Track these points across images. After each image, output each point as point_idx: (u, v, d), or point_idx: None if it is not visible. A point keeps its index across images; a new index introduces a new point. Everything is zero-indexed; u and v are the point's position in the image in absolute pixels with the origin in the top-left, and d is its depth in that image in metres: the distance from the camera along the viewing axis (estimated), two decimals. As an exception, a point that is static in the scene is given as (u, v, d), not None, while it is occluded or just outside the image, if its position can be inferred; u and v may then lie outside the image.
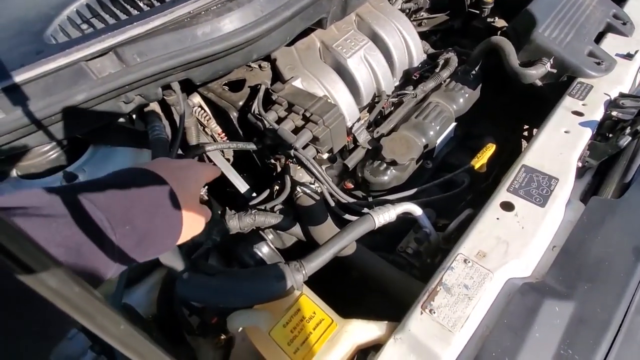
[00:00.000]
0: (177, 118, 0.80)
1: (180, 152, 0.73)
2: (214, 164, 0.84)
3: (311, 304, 0.53)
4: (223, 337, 0.65)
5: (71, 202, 0.29)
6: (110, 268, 0.31)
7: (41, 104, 0.54)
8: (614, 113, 0.70)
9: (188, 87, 0.78)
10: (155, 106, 0.76)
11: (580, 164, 0.67)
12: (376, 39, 0.94)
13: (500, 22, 1.11)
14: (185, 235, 0.40)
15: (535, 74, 0.80)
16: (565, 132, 0.68)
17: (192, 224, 0.40)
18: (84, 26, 0.62)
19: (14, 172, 0.70)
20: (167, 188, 0.37)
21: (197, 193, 0.43)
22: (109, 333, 0.13)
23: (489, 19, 1.11)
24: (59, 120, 0.57)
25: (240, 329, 0.55)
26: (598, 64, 0.79)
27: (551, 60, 0.81)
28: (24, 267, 0.11)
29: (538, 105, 0.87)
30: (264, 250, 0.73)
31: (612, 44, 0.86)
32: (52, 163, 0.69)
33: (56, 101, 0.54)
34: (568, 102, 0.74)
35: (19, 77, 0.52)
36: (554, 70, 0.81)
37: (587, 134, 0.68)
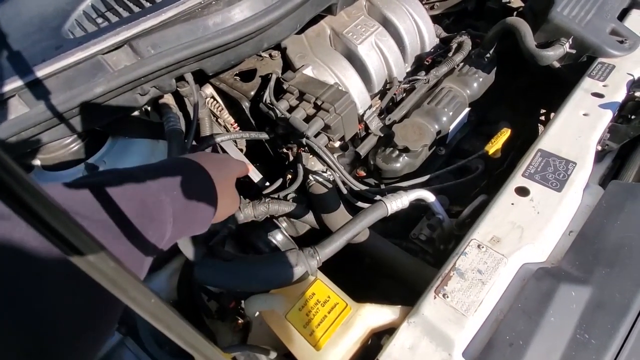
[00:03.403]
0: (190, 109, 0.81)
1: (194, 143, 0.74)
2: (224, 152, 0.85)
3: (325, 288, 0.54)
4: (241, 321, 0.67)
5: (130, 175, 0.34)
6: (169, 221, 0.35)
7: (62, 97, 0.56)
8: (637, 94, 0.68)
9: (200, 79, 0.79)
10: (169, 98, 0.77)
11: (599, 148, 0.65)
12: (387, 24, 0.92)
13: (516, 2, 1.07)
14: (221, 213, 0.45)
15: (553, 55, 0.77)
16: (584, 114, 0.66)
17: (227, 203, 0.47)
18: (99, 20, 0.63)
19: (39, 165, 0.73)
20: (205, 171, 0.43)
21: (232, 180, 0.49)
22: (140, 306, 0.15)
23: (504, 0, 1.07)
24: (80, 113, 0.59)
25: (257, 313, 0.57)
26: (621, 42, 0.76)
27: (570, 40, 0.78)
28: (70, 245, 0.13)
29: (556, 88, 0.85)
30: (278, 238, 0.75)
31: (637, 21, 0.82)
32: (74, 155, 0.71)
33: (76, 94, 0.56)
34: (587, 84, 0.71)
35: (40, 72, 0.54)
36: (573, 51, 0.78)
37: (608, 116, 0.66)
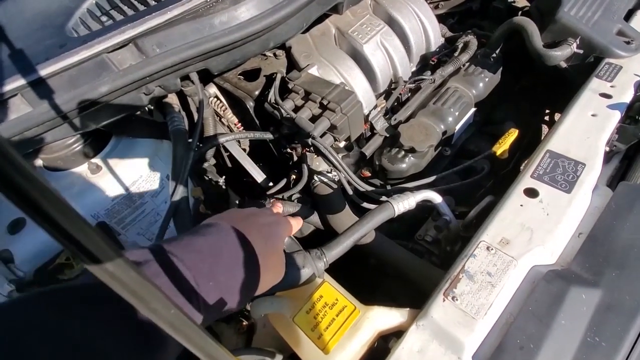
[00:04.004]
0: (194, 109, 0.80)
1: (199, 143, 0.74)
2: (230, 155, 0.85)
3: (333, 291, 0.53)
4: (245, 322, 0.66)
5: (163, 260, 0.32)
6: (197, 319, 0.32)
7: (66, 96, 0.55)
8: (644, 95, 0.67)
9: (204, 78, 0.78)
10: (173, 97, 0.76)
11: (607, 149, 0.65)
12: (392, 23, 0.91)
13: (521, 2, 1.06)
14: (263, 288, 0.42)
15: (561, 55, 0.76)
16: (592, 115, 0.66)
17: (271, 277, 0.44)
18: (104, 18, 0.62)
19: (41, 165, 0.72)
20: (251, 247, 0.39)
21: (279, 250, 0.46)
22: (160, 317, 0.14)
23: (509, -1, 1.06)
24: (84, 113, 0.59)
25: (262, 315, 0.57)
26: (628, 43, 0.76)
27: (577, 40, 0.77)
28: (89, 255, 0.12)
29: (562, 88, 0.84)
30: (283, 239, 0.74)
31: (643, 22, 0.81)
32: (76, 155, 0.70)
33: (80, 94, 0.55)
34: (595, 84, 0.71)
35: (44, 71, 0.53)
36: (580, 51, 0.78)
37: (616, 117, 0.65)
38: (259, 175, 0.84)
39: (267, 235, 0.43)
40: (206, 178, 0.85)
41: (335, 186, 0.75)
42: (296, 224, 0.55)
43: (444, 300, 0.48)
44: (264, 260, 0.40)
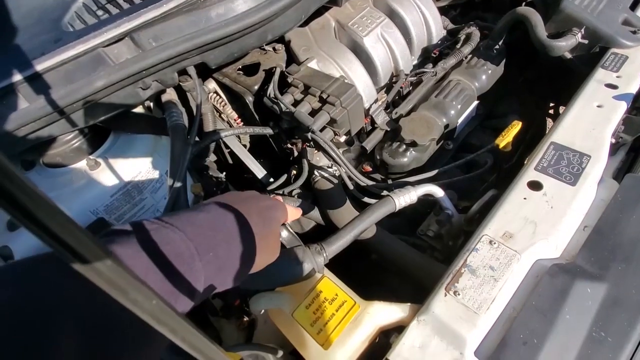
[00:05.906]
0: (193, 104, 0.80)
1: (197, 138, 0.73)
2: (230, 151, 0.84)
3: (333, 286, 0.53)
4: (246, 318, 0.66)
5: (165, 231, 0.33)
6: (199, 289, 0.33)
7: (63, 91, 0.54)
8: (652, 85, 0.66)
9: (203, 73, 0.77)
10: (171, 93, 0.76)
11: (613, 140, 0.63)
12: (393, 16, 0.90)
13: (525, -7, 1.04)
14: (258, 267, 0.43)
15: (565, 45, 0.75)
16: (598, 106, 0.64)
17: (266, 257, 0.45)
18: (100, 12, 0.62)
19: (40, 161, 0.72)
20: (249, 227, 0.40)
21: (276, 233, 0.47)
22: (141, 308, 0.13)
23: (513, -10, 1.04)
24: (81, 108, 0.58)
25: (263, 311, 0.56)
26: (634, 32, 0.74)
27: (582, 30, 0.76)
28: (62, 243, 0.11)
29: (567, 79, 0.83)
30: (283, 234, 0.73)
31: (650, 11, 0.80)
32: (75, 151, 0.70)
33: (77, 88, 0.54)
34: (601, 75, 0.69)
35: (40, 66, 0.53)
36: (585, 41, 0.76)
37: (622, 108, 0.64)
38: (259, 171, 0.83)
39: (265, 217, 0.44)
40: (206, 174, 0.84)
41: (335, 181, 0.74)
42: (295, 212, 0.55)
43: (445, 295, 0.47)
44: (261, 241, 0.41)
